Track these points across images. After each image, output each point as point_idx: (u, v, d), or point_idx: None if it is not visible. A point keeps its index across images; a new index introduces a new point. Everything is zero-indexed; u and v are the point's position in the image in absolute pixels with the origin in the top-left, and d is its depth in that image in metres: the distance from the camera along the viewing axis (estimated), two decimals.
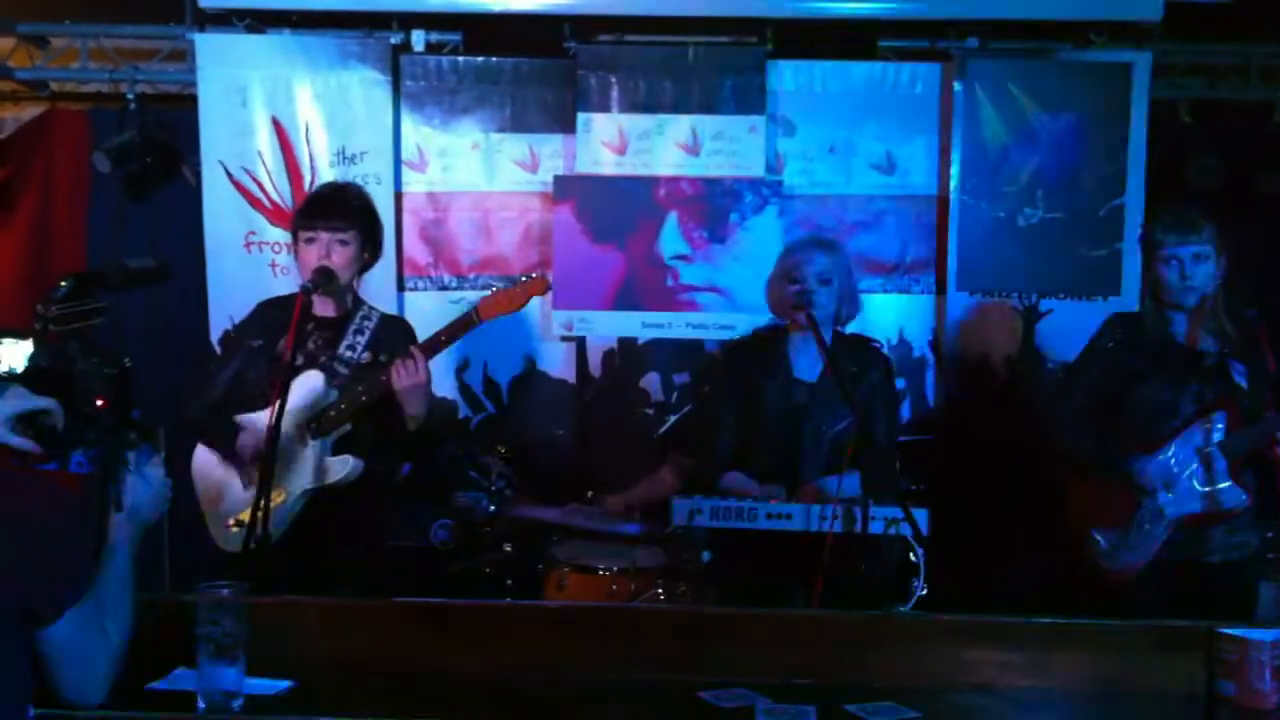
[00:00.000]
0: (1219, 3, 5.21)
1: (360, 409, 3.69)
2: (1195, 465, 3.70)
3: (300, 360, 3.71)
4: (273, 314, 3.81)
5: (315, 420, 3.67)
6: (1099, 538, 3.79)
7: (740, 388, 3.95)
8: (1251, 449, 3.66)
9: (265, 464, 3.35)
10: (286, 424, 3.60)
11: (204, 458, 3.82)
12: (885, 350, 4.22)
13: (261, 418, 3.55)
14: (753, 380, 3.92)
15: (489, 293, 3.86)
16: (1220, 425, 3.68)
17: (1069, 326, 5.30)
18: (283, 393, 3.37)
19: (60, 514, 2.14)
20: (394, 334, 3.87)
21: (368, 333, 3.81)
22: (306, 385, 3.69)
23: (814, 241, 4.10)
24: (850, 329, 4.06)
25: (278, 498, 3.61)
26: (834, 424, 3.79)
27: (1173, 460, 3.72)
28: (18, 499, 2.11)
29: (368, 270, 3.91)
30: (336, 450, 3.72)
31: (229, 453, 3.73)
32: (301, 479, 3.68)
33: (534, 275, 3.92)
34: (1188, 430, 3.72)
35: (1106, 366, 3.84)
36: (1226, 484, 3.68)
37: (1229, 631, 2.68)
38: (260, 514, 3.27)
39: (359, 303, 3.88)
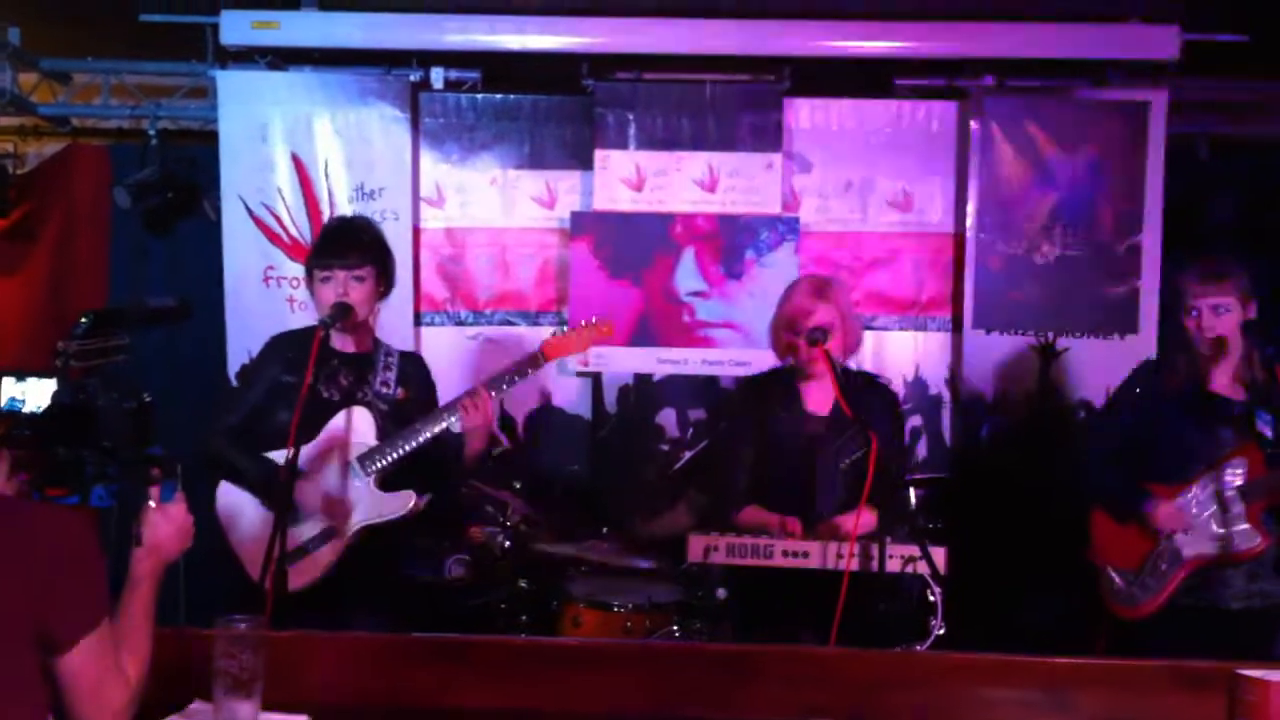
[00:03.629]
0: (1236, 40, 5.22)
1: (419, 446, 3.67)
2: (1213, 508, 3.69)
3: (336, 396, 3.70)
4: (287, 348, 3.78)
5: (367, 457, 3.67)
6: (1114, 577, 3.81)
7: (755, 422, 3.94)
8: (1270, 496, 3.65)
9: (282, 496, 3.34)
10: (334, 461, 3.61)
11: (235, 496, 3.78)
12: (891, 387, 4.19)
13: (302, 457, 3.51)
14: (767, 414, 3.91)
15: (554, 333, 3.90)
16: (1240, 471, 3.67)
17: (1086, 364, 5.30)
18: (305, 427, 3.37)
19: (75, 541, 2.14)
20: (415, 370, 3.87)
21: (395, 369, 3.81)
22: (353, 422, 3.68)
23: (813, 289, 3.88)
24: (865, 365, 4.03)
25: (336, 537, 3.61)
26: (846, 457, 3.77)
27: (1192, 503, 3.72)
28: (33, 526, 2.12)
29: (382, 301, 3.91)
30: (385, 486, 3.71)
31: (260, 489, 3.71)
32: (358, 515, 3.65)
33: (596, 320, 3.93)
34: (1208, 474, 3.71)
35: (1137, 413, 3.86)
36: (1244, 526, 3.66)
37: (1250, 674, 2.65)
38: (278, 548, 3.26)
39: (376, 339, 3.88)
